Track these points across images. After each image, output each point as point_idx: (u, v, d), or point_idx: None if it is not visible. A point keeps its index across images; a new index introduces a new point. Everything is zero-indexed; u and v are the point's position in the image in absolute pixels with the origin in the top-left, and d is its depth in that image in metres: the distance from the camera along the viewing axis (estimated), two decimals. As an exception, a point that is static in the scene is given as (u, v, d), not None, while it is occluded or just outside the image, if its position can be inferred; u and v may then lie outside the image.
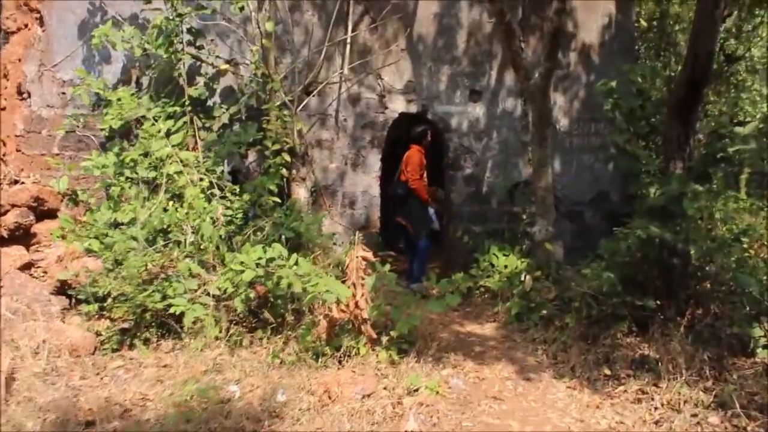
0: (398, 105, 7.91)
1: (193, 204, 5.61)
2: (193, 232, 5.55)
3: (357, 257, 4.76)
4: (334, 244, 7.73)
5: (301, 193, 7.37)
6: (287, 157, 6.88)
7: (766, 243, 7.18)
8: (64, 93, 7.17)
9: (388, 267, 5.74)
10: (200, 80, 7.57)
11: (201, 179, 5.91)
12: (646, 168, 6.48)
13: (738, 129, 5.94)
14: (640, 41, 9.43)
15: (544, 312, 5.94)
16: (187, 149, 7.03)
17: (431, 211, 7.52)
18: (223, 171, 6.60)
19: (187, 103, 6.98)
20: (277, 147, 6.85)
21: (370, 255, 4.85)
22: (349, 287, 4.64)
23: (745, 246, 6.51)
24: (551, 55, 6.47)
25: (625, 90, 6.96)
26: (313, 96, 7.69)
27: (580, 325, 5.50)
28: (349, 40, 7.68)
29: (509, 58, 6.85)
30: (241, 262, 4.87)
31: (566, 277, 6.46)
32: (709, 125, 8.21)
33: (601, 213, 8.34)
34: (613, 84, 6.34)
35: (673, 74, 9.37)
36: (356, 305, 4.55)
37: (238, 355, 5.02)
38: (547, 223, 6.97)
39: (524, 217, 7.74)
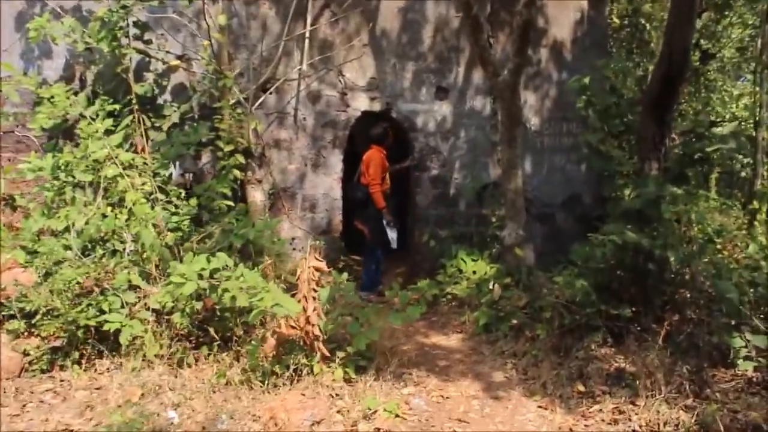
0: (361, 103, 7.51)
1: (133, 210, 5.14)
2: (133, 241, 5.09)
3: (309, 268, 4.34)
4: (294, 249, 7.32)
5: (257, 197, 6.93)
6: (241, 158, 6.44)
7: (739, 244, 6.95)
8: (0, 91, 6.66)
9: (346, 275, 5.36)
10: (149, 77, 7.11)
11: (144, 183, 5.43)
12: (621, 169, 6.17)
13: (716, 129, 5.64)
14: (612, 39, 9.15)
15: (514, 321, 5.59)
16: (135, 150, 6.59)
17: (388, 226, 7.02)
18: (170, 174, 6.13)
19: (133, 101, 6.52)
20: (230, 147, 6.41)
21: (323, 265, 4.43)
22: (299, 301, 4.22)
23: (718, 247, 6.25)
24: (521, 50, 6.12)
25: (599, 87, 6.65)
26: (270, 93, 7.26)
27: (552, 337, 5.15)
28: (308, 35, 7.26)
29: (477, 54, 6.49)
30: (182, 274, 4.42)
31: (538, 284, 6.14)
32: (683, 125, 7.96)
33: (574, 216, 8.04)
34: (586, 80, 6.01)
35: (645, 73, 9.11)
36: (307, 321, 4.14)
37: (180, 375, 4.57)
38: (517, 227, 6.63)
39: (494, 220, 7.39)
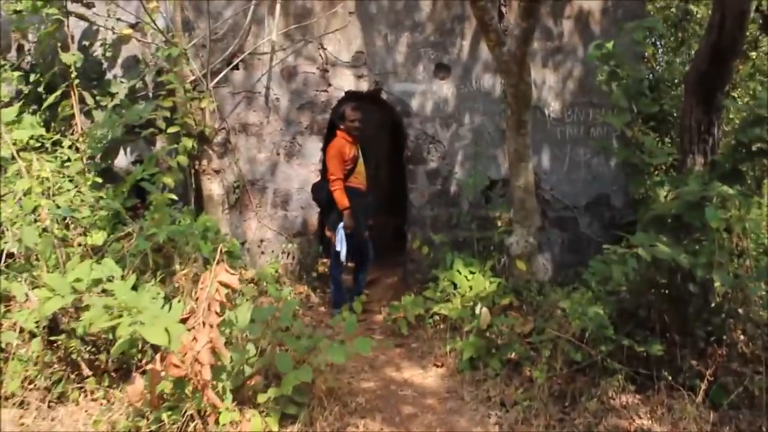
0: (345, 81, 6.33)
1: (23, 202, 4.08)
2: (18, 240, 4.01)
3: (213, 283, 3.19)
4: (263, 253, 6.20)
5: (213, 190, 5.83)
6: (189, 143, 5.34)
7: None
8: None
9: (290, 290, 4.21)
10: (97, 49, 6.09)
11: (40, 169, 4.36)
12: (655, 162, 4.85)
13: (784, 106, 4.29)
14: (655, 14, 7.77)
15: (512, 354, 4.35)
16: (72, 132, 5.58)
17: (341, 231, 5.59)
18: (84, 158, 5.05)
19: (72, 75, 5.50)
20: (174, 129, 5.32)
21: (234, 279, 3.27)
22: (191, 329, 3.07)
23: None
24: (529, 10, 4.86)
25: (629, 57, 5.33)
26: (237, 69, 6.15)
27: (554, 380, 3.91)
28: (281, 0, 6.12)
29: (475, 17, 5.24)
30: (51, 287, 3.32)
31: (549, 305, 4.90)
32: (739, 113, 6.58)
33: (601, 221, 6.71)
34: (610, 45, 4.71)
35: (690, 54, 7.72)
36: (196, 358, 2.98)
37: (50, 416, 3.48)
38: (527, 233, 5.39)
39: (500, 224, 6.14)
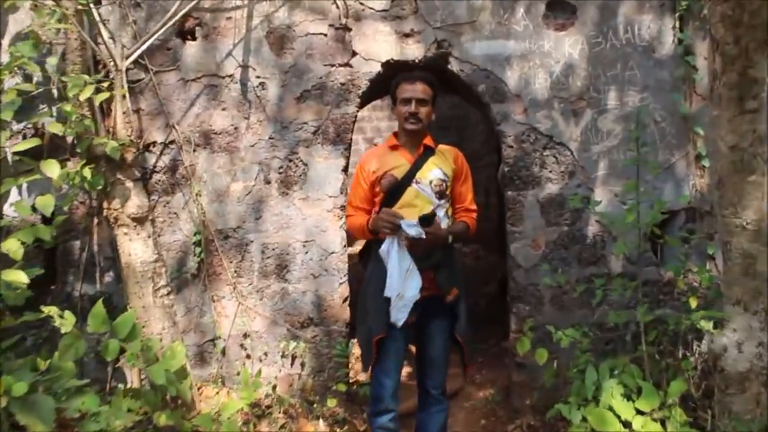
0: (380, 45, 3.53)
1: None
2: None
3: None
4: (248, 357, 3.53)
5: (135, 253, 3.18)
6: (52, 169, 2.76)
7: None
8: None
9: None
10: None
11: None
12: None
13: None
14: None
15: None
16: None
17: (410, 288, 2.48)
18: None
19: None
20: (26, 146, 2.77)
21: None
22: None
23: None
24: None
25: None
26: (188, 39, 3.55)
27: None
28: None
29: None
30: None
31: None
32: None
33: None
34: None
35: None
36: None
37: None
38: (758, 325, 2.43)
39: (692, 302, 3.02)
